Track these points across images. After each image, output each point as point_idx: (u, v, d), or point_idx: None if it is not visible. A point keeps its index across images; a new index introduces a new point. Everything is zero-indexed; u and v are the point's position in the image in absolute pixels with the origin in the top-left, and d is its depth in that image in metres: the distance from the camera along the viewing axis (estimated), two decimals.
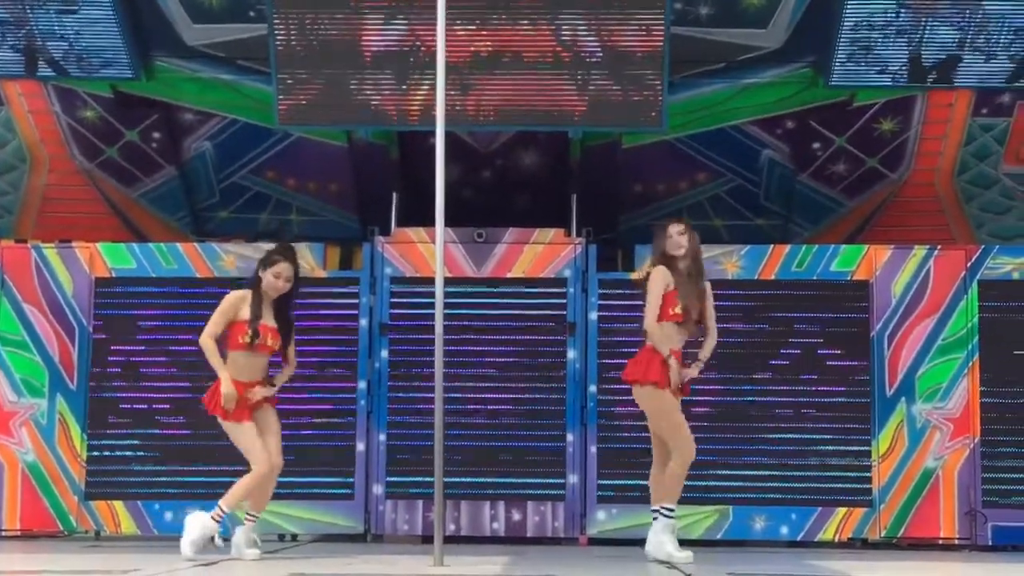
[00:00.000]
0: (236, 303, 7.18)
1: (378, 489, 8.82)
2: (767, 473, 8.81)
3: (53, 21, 9.11)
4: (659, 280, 7.03)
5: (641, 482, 8.75)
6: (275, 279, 7.17)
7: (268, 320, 7.17)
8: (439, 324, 6.52)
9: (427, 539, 8.19)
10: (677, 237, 7.06)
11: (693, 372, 7.09)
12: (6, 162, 10.39)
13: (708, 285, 7.25)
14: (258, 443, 7.03)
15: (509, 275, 8.97)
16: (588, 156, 9.98)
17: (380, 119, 9.19)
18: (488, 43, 8.92)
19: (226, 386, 6.98)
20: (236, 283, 7.99)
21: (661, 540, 6.87)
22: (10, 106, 10.10)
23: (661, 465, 7.05)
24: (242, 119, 10.11)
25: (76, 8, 9.06)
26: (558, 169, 10.10)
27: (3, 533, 8.87)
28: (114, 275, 9.10)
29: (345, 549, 7.81)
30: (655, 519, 6.99)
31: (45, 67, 9.39)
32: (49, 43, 9.23)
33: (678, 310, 6.98)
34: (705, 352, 7.18)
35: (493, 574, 5.73)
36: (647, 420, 7.14)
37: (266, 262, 7.23)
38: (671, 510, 6.95)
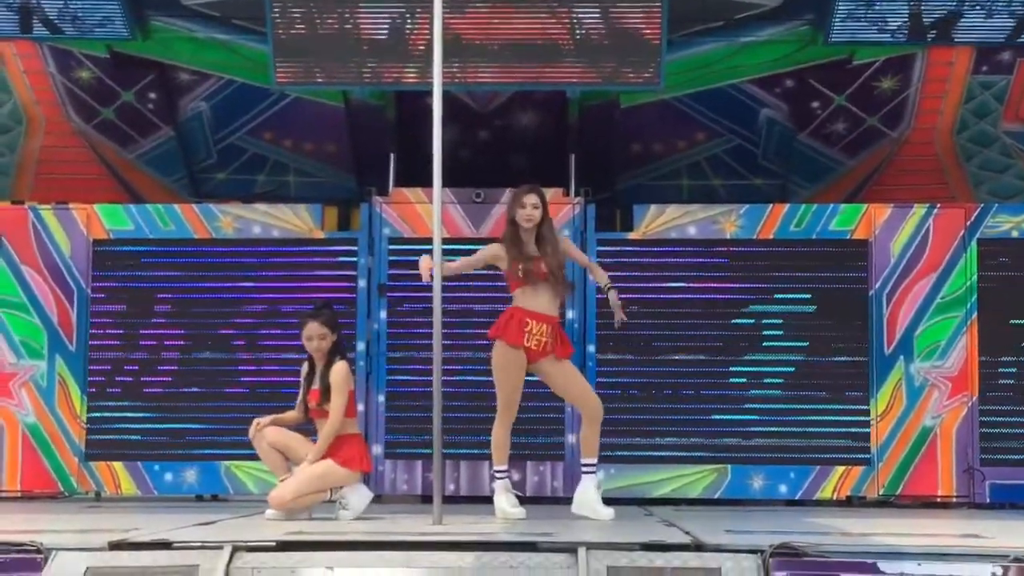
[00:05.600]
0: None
1: (377, 449, 8.84)
2: (765, 432, 8.84)
3: None
4: (490, 250, 6.98)
5: (639, 440, 8.84)
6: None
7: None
8: (437, 284, 6.51)
9: (426, 499, 8.21)
10: (532, 210, 6.93)
11: (614, 298, 7.02)
12: (1, 124, 10.34)
13: (565, 238, 7.24)
14: None
15: None
16: (586, 116, 9.93)
17: (377, 79, 9.15)
18: (485, 1, 8.86)
19: None
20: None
21: (498, 500, 6.92)
22: (5, 67, 10.04)
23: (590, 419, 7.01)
24: (239, 79, 10.06)
25: None
26: (556, 129, 10.06)
27: (3, 494, 8.91)
28: (112, 236, 9.09)
29: None
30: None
31: (40, 27, 9.31)
32: (44, 2, 9.14)
33: (520, 274, 6.89)
34: (602, 278, 7.13)
35: (492, 533, 5.75)
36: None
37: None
38: (502, 471, 6.96)
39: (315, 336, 7.01)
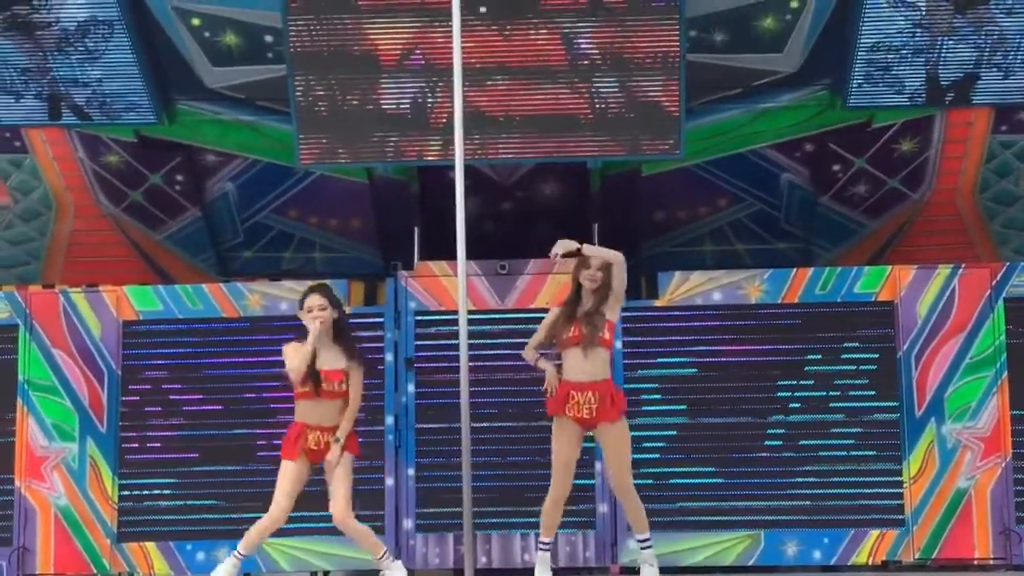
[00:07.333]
0: (289, 353, 7.12)
1: (408, 523, 8.82)
2: (798, 498, 8.76)
3: (75, 68, 9.22)
4: (549, 317, 7.07)
5: (670, 505, 8.77)
6: (307, 313, 7.10)
7: (328, 363, 7.09)
8: (464, 357, 6.55)
9: (459, 572, 8.17)
10: (595, 271, 7.04)
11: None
12: (32, 209, 10.49)
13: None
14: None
15: (533, 306, 8.98)
16: (608, 185, 10.00)
17: (400, 155, 9.25)
18: (504, 73, 8.97)
19: None
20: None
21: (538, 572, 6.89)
22: (35, 153, 10.20)
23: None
24: (264, 159, 10.19)
25: (98, 55, 9.18)
26: (578, 199, 10.13)
27: None
28: (141, 317, 9.16)
29: None
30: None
31: (69, 114, 9.50)
32: (72, 90, 9.34)
33: (571, 334, 6.96)
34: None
35: None
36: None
37: (300, 303, 7.19)
38: (544, 543, 6.95)
39: (315, 307, 7.03)
